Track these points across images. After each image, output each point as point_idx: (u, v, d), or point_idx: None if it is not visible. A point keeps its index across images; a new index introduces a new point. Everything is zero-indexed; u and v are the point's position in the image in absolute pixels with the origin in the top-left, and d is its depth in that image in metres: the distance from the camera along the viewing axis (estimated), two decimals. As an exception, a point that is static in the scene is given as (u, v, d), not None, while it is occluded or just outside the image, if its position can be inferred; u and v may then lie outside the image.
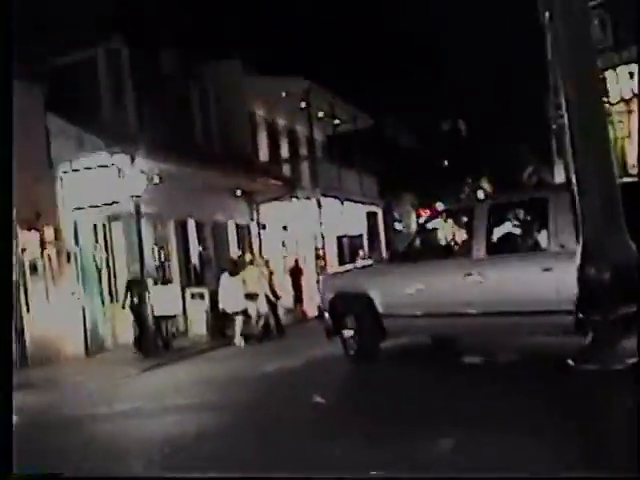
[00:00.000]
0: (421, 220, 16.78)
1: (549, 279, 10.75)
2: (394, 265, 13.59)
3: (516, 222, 12.73)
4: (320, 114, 35.03)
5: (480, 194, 56.79)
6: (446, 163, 54.49)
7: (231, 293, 20.04)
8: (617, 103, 17.44)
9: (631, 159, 23.45)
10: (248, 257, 22.99)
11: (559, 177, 29.43)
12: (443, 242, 15.39)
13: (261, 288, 20.27)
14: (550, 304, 10.59)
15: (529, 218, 12.38)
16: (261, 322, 20.32)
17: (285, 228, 32.75)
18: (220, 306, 20.37)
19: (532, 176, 52.90)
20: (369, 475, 5.02)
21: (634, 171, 23.32)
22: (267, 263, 22.22)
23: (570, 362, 3.64)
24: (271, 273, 21.59)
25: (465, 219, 13.56)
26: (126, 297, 19.20)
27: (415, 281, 12.86)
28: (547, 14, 19.93)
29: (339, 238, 37.41)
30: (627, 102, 19.30)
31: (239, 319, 19.92)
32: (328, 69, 35.62)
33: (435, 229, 15.17)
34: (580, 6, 3.41)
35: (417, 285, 12.80)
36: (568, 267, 9.95)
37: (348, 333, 13.90)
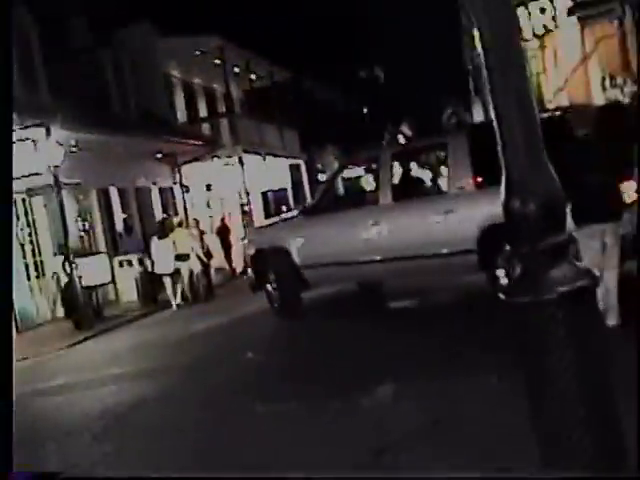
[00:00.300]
0: (332, 171, 17.04)
1: (450, 221, 10.99)
2: (308, 217, 13.74)
3: (419, 167, 13.26)
4: (236, 70, 34.70)
5: (400, 139, 57.18)
6: (365, 111, 54.54)
7: (162, 256, 19.89)
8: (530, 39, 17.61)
9: (547, 94, 23.76)
10: (177, 219, 22.83)
11: (478, 116, 29.73)
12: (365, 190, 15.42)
13: (192, 249, 20.10)
14: (453, 245, 10.87)
15: (430, 163, 12.89)
16: (195, 283, 20.23)
17: (209, 188, 32.53)
18: (155, 269, 20.22)
19: (451, 117, 53.27)
20: (369, 475, 5.07)
21: (551, 106, 23.67)
22: (197, 223, 22.11)
23: (501, 296, 3.66)
24: (202, 233, 21.54)
25: (373, 167, 13.58)
26: (62, 269, 18.89)
27: (327, 231, 13.02)
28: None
29: (264, 194, 37.32)
30: (540, 38, 19.49)
31: (170, 281, 19.88)
32: (241, 24, 35.27)
33: (349, 179, 15.29)
34: None
35: (329, 235, 12.97)
36: (467, 208, 10.60)
37: (270, 287, 14.04)
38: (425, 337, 9.82)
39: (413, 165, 13.36)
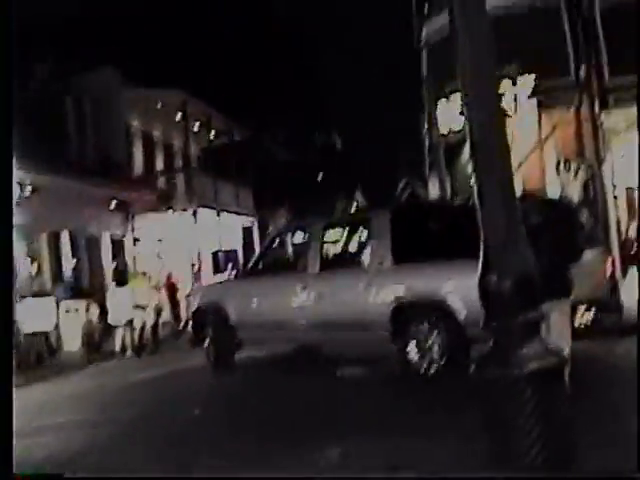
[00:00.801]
0: (270, 235, 17.79)
1: (369, 294, 11.56)
2: (245, 278, 14.55)
3: (346, 240, 13.76)
4: (196, 126, 34.87)
5: (353, 207, 57.57)
6: (321, 176, 54.89)
7: (119, 304, 19.71)
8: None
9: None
10: (139, 268, 23.16)
11: (433, 190, 30.16)
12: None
13: (150, 299, 20.03)
14: (371, 317, 11.38)
15: (356, 237, 13.38)
16: (145, 334, 20.09)
17: (160, 241, 32.40)
18: (109, 318, 20.03)
19: (405, 189, 53.91)
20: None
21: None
22: (150, 276, 22.06)
23: (472, 368, 3.74)
24: (156, 285, 21.55)
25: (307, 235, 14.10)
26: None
27: (260, 293, 13.62)
28: (424, 31, 20.57)
29: (214, 253, 37.21)
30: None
31: (124, 330, 19.67)
32: (205, 81, 35.54)
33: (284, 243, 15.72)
34: (480, 18, 3.55)
35: (262, 297, 13.56)
36: (384, 283, 11.12)
37: (207, 343, 14.56)
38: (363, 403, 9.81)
39: (343, 236, 13.91)
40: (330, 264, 13.04)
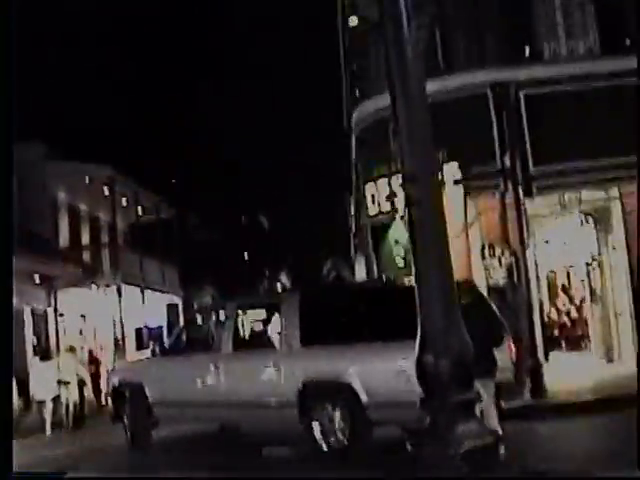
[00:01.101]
0: (186, 315, 18.02)
1: (279, 374, 12.02)
2: (162, 357, 14.72)
3: (258, 322, 14.20)
4: (124, 202, 34.69)
5: (278, 288, 57.57)
6: (247, 256, 54.93)
7: (43, 379, 19.31)
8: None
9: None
10: (66, 344, 22.81)
11: (359, 272, 30.36)
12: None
13: (75, 375, 19.66)
14: (280, 397, 11.83)
15: (267, 319, 13.78)
16: (70, 410, 19.57)
17: (83, 316, 31.88)
18: (31, 393, 19.60)
19: (331, 271, 54.14)
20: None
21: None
22: (75, 351, 21.65)
23: (408, 446, 3.77)
24: (81, 360, 21.46)
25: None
26: None
27: (176, 372, 13.89)
28: (354, 114, 20.92)
29: (138, 329, 36.69)
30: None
31: (49, 406, 19.12)
32: (133, 158, 35.54)
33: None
34: (421, 96, 3.66)
35: (177, 375, 13.81)
36: (292, 364, 11.48)
37: (126, 419, 14.59)
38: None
39: (256, 318, 14.38)
40: (244, 344, 13.53)
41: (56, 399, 19.29)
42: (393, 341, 10.23)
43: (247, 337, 14.12)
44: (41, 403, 19.34)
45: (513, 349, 11.54)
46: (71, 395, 19.54)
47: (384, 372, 10.62)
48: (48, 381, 19.23)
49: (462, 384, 3.71)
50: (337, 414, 11.17)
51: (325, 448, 11.16)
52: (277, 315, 13.18)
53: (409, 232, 3.87)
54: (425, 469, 3.71)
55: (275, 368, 12.04)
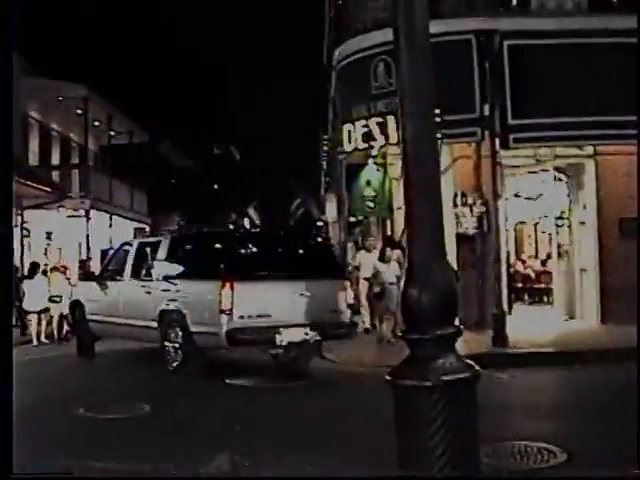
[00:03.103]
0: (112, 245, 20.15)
1: (150, 299, 14.41)
2: (97, 280, 17.12)
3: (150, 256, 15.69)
4: (96, 123, 34.34)
5: (246, 221, 57.56)
6: (216, 186, 54.79)
7: (34, 294, 20.62)
8: (396, 144, 18.37)
9: (397, 201, 24.67)
10: (53, 262, 24.45)
11: (330, 209, 30.40)
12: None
13: (64, 292, 20.48)
14: (150, 318, 14.09)
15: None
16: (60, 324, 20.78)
17: (49, 236, 31.71)
18: (24, 306, 20.96)
19: (299, 207, 54.20)
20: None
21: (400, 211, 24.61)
22: (66, 270, 23.26)
23: (387, 377, 3.84)
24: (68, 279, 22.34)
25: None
26: None
27: (98, 295, 16.56)
28: (336, 52, 20.77)
29: (103, 251, 36.54)
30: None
31: (38, 318, 20.40)
32: (109, 79, 35.09)
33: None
34: (424, 36, 3.68)
35: (98, 297, 16.54)
36: (156, 292, 14.21)
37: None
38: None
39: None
40: (137, 274, 15.47)
41: (45, 312, 20.59)
42: (214, 280, 12.81)
43: (142, 268, 15.61)
44: (30, 315, 20.70)
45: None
46: (59, 310, 20.58)
47: (201, 304, 13.13)
48: (38, 296, 20.57)
49: (444, 318, 3.78)
50: (179, 336, 13.40)
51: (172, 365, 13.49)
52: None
53: (403, 167, 3.90)
54: (405, 404, 3.78)
55: (150, 293, 14.51)
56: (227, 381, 12.70)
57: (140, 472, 5.26)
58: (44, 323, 20.57)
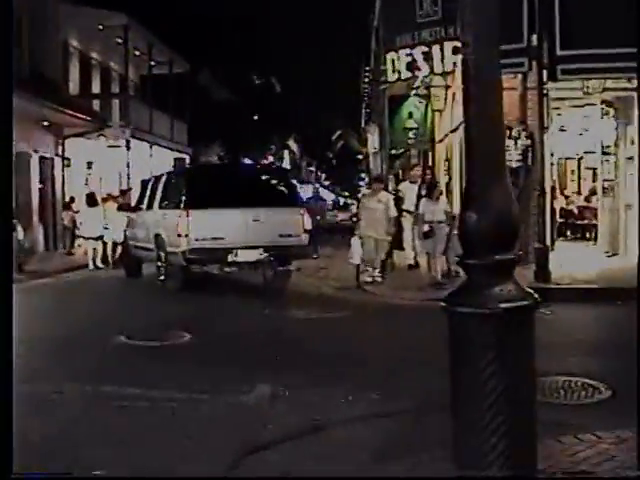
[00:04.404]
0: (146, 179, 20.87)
1: (152, 226, 16.82)
2: (138, 212, 18.80)
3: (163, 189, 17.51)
4: (137, 52, 34.13)
5: (285, 153, 57.37)
6: (256, 117, 54.46)
7: (90, 222, 22.18)
8: (440, 74, 18.02)
9: (439, 134, 24.40)
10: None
11: (371, 141, 30.12)
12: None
13: (120, 221, 21.17)
14: (149, 242, 16.89)
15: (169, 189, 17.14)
16: (117, 251, 21.91)
17: (90, 165, 31.82)
18: (79, 233, 23.14)
19: (339, 140, 53.84)
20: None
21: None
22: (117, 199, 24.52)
23: (441, 303, 3.74)
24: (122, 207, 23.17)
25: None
26: None
27: (135, 223, 18.81)
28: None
29: (143, 181, 36.63)
30: (445, 76, 20.05)
31: (94, 245, 22.01)
32: (150, 7, 34.77)
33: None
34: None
35: (136, 225, 18.67)
36: (154, 220, 16.96)
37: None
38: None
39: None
40: (150, 205, 17.65)
41: (100, 239, 22.14)
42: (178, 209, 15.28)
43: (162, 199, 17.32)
44: (87, 241, 22.37)
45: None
46: (116, 238, 21.67)
47: (172, 229, 15.21)
48: (94, 224, 22.14)
49: (503, 243, 3.64)
50: (161, 256, 16.10)
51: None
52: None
53: (464, 87, 3.74)
54: (460, 332, 3.66)
55: (151, 223, 17.02)
56: (266, 312, 12.83)
57: (140, 472, 5.18)
58: (100, 249, 22.13)
